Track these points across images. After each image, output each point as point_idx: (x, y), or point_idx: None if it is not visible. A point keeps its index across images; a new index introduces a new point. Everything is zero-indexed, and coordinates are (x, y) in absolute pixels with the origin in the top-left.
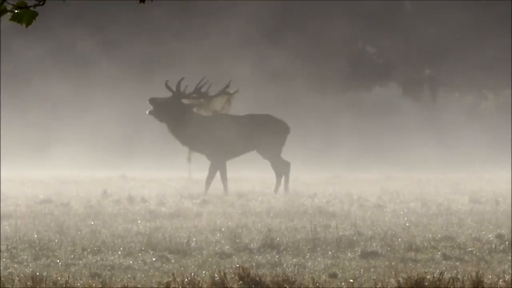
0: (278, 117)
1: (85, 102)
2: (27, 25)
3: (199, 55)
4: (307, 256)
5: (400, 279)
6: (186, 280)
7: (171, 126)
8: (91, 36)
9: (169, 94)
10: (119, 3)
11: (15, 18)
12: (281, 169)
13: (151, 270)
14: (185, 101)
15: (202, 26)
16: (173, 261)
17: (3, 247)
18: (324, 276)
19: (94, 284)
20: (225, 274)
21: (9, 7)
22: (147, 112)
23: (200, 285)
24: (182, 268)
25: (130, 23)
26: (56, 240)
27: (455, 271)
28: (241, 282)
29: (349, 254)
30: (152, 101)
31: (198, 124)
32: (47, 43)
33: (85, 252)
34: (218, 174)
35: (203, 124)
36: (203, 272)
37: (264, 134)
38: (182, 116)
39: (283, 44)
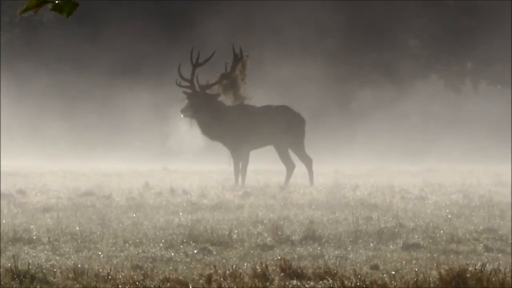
0: (295, 109)
1: (131, 98)
2: (67, 15)
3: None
4: (349, 248)
5: (442, 271)
6: (227, 272)
7: (201, 120)
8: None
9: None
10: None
11: (56, 9)
12: (304, 163)
13: (193, 262)
14: (209, 91)
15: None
16: (214, 253)
17: (45, 239)
18: (365, 268)
19: (135, 276)
20: (266, 266)
21: None
22: (182, 116)
23: (241, 277)
24: (223, 260)
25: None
26: (98, 233)
27: (497, 263)
28: (282, 274)
29: (391, 246)
30: (184, 111)
31: (221, 115)
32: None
33: (126, 244)
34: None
35: (225, 114)
36: (245, 264)
37: (279, 125)
38: (210, 108)
39: (321, 36)
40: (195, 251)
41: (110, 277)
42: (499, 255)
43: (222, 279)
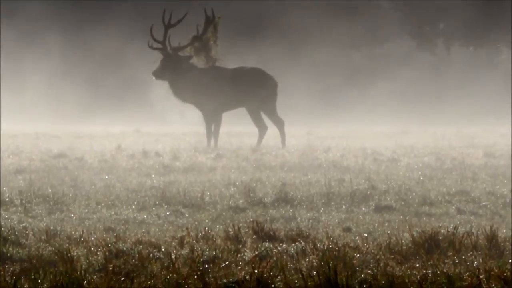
0: (268, 71)
1: (99, 63)
2: None
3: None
4: (321, 210)
5: (414, 233)
6: (200, 234)
7: (173, 83)
8: None
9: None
10: None
11: None
12: (276, 125)
13: (165, 224)
14: (181, 53)
15: None
16: (187, 215)
17: (17, 202)
18: (338, 230)
19: (108, 238)
20: (239, 228)
21: None
22: (154, 78)
23: (214, 239)
24: (196, 222)
25: None
26: (70, 195)
27: (469, 225)
28: (255, 236)
29: (363, 208)
30: (156, 73)
31: (193, 77)
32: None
33: (99, 206)
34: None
35: (197, 76)
36: (217, 226)
37: (251, 87)
38: (182, 70)
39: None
40: (168, 213)
41: (82, 239)
42: (471, 218)
43: (194, 241)
